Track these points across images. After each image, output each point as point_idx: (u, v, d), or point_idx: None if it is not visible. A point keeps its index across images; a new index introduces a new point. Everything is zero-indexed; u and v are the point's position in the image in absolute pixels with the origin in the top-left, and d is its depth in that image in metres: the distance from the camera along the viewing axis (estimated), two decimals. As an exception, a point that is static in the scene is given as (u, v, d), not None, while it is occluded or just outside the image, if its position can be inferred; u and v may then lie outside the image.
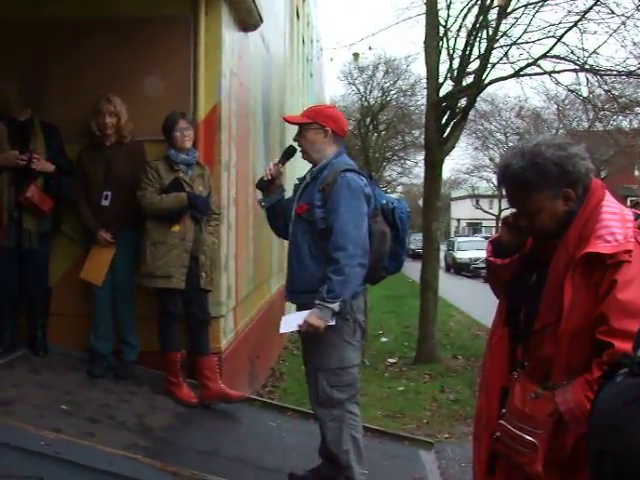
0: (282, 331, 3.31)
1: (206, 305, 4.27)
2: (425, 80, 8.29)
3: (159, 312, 4.20)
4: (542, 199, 1.99)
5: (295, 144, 3.39)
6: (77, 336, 4.42)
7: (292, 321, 3.19)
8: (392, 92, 30.93)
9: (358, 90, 31.21)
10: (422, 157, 31.82)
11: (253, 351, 5.97)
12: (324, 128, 3.24)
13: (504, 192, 2.13)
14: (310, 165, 3.37)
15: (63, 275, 4.49)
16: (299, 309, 3.29)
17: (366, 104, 30.95)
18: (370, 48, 10.66)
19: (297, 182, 3.41)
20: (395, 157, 34.80)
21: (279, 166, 3.39)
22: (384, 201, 3.29)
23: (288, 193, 3.50)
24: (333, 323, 3.07)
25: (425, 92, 8.66)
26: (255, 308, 6.32)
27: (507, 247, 2.16)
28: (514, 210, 2.12)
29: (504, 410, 2.07)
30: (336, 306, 3.03)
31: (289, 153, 3.43)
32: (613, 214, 1.97)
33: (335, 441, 3.25)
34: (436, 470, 4.25)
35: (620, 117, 11.15)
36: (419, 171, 34.43)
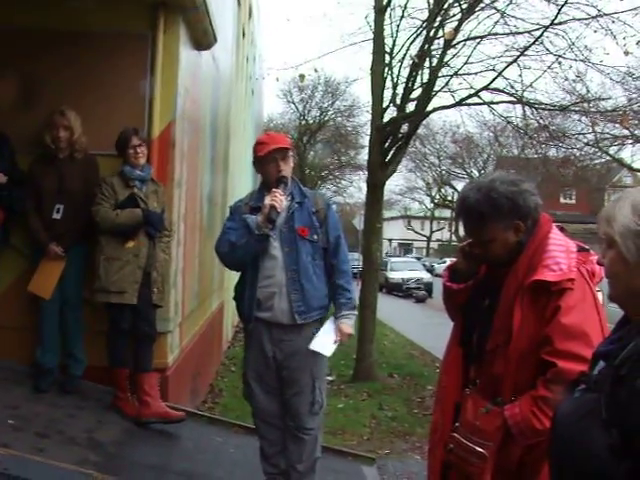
0: (325, 353, 3.33)
1: (154, 321, 4.27)
2: (363, 103, 8.57)
3: (108, 327, 4.17)
4: (495, 230, 2.18)
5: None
6: (21, 350, 4.34)
7: (326, 342, 3.28)
8: (330, 112, 31.51)
9: (297, 109, 31.64)
10: (357, 177, 32.10)
11: (195, 367, 5.97)
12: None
13: (461, 222, 2.32)
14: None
15: (8, 287, 4.41)
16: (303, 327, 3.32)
17: (304, 122, 31.37)
18: (316, 70, 10.91)
19: (239, 204, 3.45)
20: (330, 176, 35.34)
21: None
22: None
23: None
24: None
25: (363, 114, 8.93)
26: (198, 324, 6.32)
27: (462, 273, 2.34)
28: (470, 239, 2.31)
29: (457, 424, 2.24)
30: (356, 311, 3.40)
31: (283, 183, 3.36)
32: (559, 246, 2.18)
33: (314, 449, 3.42)
34: (379, 485, 4.39)
35: (550, 145, 11.76)
36: (353, 191, 35.14)
